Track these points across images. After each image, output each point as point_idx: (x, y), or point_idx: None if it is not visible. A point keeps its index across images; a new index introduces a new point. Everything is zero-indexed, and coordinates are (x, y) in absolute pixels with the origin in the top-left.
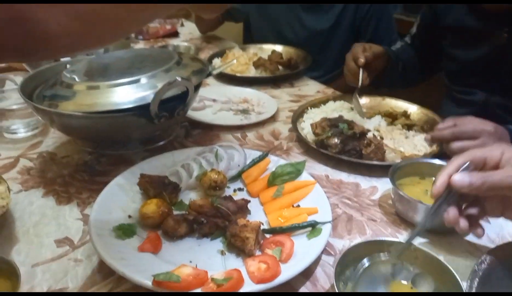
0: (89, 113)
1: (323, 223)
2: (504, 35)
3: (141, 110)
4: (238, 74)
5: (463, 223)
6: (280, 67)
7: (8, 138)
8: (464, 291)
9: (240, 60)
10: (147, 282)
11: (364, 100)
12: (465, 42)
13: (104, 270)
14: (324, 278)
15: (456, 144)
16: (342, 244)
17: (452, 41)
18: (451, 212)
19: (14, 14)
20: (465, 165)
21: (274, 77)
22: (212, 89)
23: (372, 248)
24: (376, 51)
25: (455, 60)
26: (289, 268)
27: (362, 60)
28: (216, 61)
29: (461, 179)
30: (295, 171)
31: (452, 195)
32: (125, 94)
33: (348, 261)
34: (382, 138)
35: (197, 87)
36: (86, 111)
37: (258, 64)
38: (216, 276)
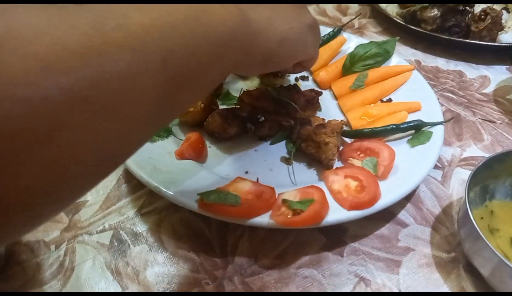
0: None
1: (433, 124)
2: None
3: None
4: None
5: None
6: None
7: None
8: None
9: None
10: (192, 203)
11: None
12: None
13: (131, 180)
14: (431, 200)
15: None
16: (451, 153)
17: None
18: None
19: None
20: None
21: None
22: None
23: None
24: None
25: None
26: (390, 189)
27: None
28: None
29: None
30: (383, 52)
31: None
32: None
33: (480, 178)
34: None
35: None
36: None
37: None
38: (288, 196)
